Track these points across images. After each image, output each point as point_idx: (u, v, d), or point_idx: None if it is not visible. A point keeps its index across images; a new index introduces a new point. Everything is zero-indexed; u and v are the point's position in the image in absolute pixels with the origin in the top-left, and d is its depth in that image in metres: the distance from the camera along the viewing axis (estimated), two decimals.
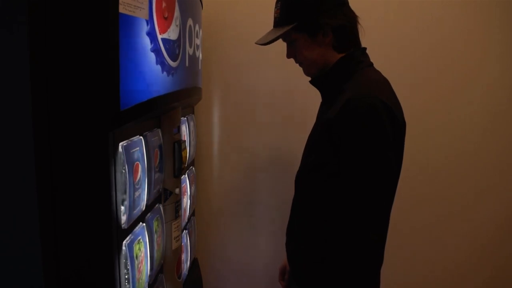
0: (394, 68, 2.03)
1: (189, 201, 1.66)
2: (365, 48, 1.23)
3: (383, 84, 1.17)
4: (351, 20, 1.19)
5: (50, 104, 0.82)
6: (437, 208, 2.10)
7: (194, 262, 1.87)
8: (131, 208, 0.98)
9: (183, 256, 1.53)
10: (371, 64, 1.22)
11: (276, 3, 1.22)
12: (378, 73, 1.22)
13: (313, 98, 2.07)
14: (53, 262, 0.85)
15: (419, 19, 2.00)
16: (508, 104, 2.06)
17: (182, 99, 1.34)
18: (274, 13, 1.23)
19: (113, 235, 0.90)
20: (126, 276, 0.97)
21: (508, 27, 2.01)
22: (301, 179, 1.23)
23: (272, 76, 2.06)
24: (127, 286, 0.97)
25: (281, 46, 2.14)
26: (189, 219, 1.71)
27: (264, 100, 2.09)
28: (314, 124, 1.26)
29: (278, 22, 1.21)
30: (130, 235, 1.00)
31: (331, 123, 1.07)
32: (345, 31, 1.17)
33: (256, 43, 1.25)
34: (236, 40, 2.03)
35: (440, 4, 1.98)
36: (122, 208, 0.94)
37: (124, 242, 0.96)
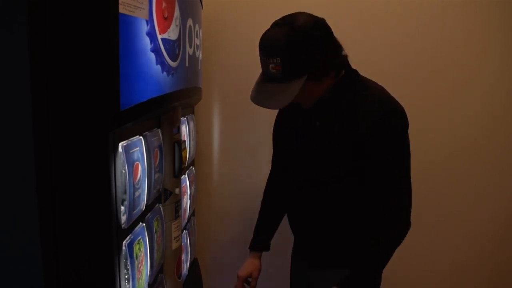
0: (394, 68, 2.04)
1: (189, 201, 1.66)
2: (346, 56, 1.24)
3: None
4: (340, 45, 1.21)
5: (50, 104, 0.82)
6: (437, 208, 2.10)
7: (194, 262, 1.87)
8: (131, 208, 0.98)
9: (183, 256, 1.53)
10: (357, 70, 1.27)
11: (270, 58, 1.12)
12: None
13: None
14: (53, 262, 0.85)
15: (419, 19, 2.00)
16: (508, 104, 2.06)
17: (182, 99, 1.34)
18: (270, 68, 1.13)
19: (113, 235, 0.90)
20: (126, 276, 0.97)
21: (508, 27, 2.01)
22: (323, 190, 1.28)
23: None
24: (127, 286, 0.97)
25: None
26: (189, 219, 1.71)
27: None
28: (312, 138, 1.26)
29: (278, 78, 1.13)
30: (130, 235, 1.00)
31: (366, 136, 1.15)
32: (342, 62, 1.21)
33: (260, 105, 1.17)
34: (236, 40, 2.03)
35: (440, 4, 1.98)
36: (122, 208, 0.94)
37: (124, 242, 0.96)
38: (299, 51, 1.10)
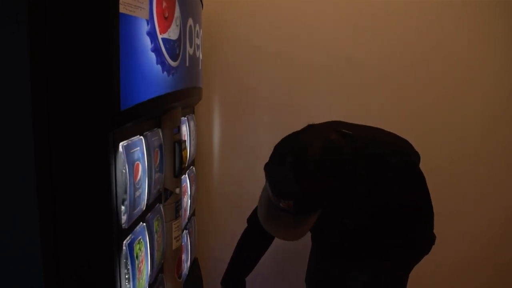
0: (395, 69, 2.04)
1: (189, 201, 1.66)
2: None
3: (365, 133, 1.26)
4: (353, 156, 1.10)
5: (50, 104, 0.81)
6: (437, 208, 2.10)
7: (194, 262, 1.87)
8: (131, 207, 0.98)
9: (184, 256, 1.53)
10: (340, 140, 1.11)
11: (281, 199, 1.05)
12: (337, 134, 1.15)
13: (313, 98, 2.07)
14: (53, 262, 0.85)
15: (419, 20, 2.00)
16: (508, 104, 2.06)
17: (182, 99, 1.34)
18: (281, 204, 1.05)
19: (113, 235, 0.90)
20: (127, 276, 0.97)
21: (508, 27, 2.01)
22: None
23: (272, 75, 2.06)
24: (128, 286, 0.97)
25: (280, 45, 2.14)
26: (189, 219, 1.71)
27: (264, 100, 2.09)
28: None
29: (291, 212, 1.06)
30: (131, 235, 1.00)
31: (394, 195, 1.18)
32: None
33: (275, 236, 1.16)
34: (236, 40, 2.03)
35: (440, 5, 1.98)
36: (123, 208, 0.94)
37: (124, 242, 0.96)
38: (312, 196, 1.03)
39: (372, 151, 1.15)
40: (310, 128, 1.24)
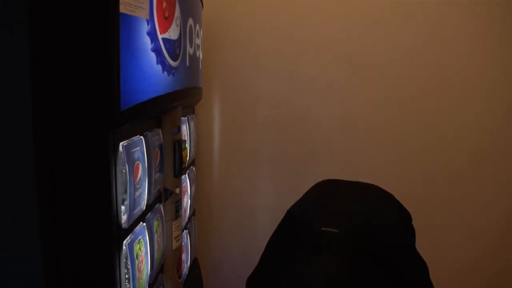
0: (397, 69, 2.04)
1: (189, 201, 1.66)
2: None
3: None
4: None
5: (50, 104, 0.82)
6: (437, 208, 2.10)
7: (194, 262, 1.87)
8: (131, 207, 0.98)
9: (184, 256, 1.53)
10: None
11: None
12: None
13: (313, 98, 2.07)
14: (53, 262, 0.85)
15: (421, 21, 2.00)
16: (508, 105, 2.06)
17: (182, 99, 1.34)
18: None
19: (113, 234, 0.90)
20: (127, 276, 0.97)
21: (510, 28, 2.01)
22: None
23: (272, 76, 2.06)
24: (128, 285, 0.97)
25: (280, 46, 2.13)
26: (189, 219, 1.71)
27: (264, 100, 2.09)
28: None
29: None
30: (131, 234, 1.00)
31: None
32: None
33: None
34: (236, 40, 2.03)
35: (440, 5, 1.98)
36: (123, 207, 0.94)
37: (124, 241, 0.96)
38: None
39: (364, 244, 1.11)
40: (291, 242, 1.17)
